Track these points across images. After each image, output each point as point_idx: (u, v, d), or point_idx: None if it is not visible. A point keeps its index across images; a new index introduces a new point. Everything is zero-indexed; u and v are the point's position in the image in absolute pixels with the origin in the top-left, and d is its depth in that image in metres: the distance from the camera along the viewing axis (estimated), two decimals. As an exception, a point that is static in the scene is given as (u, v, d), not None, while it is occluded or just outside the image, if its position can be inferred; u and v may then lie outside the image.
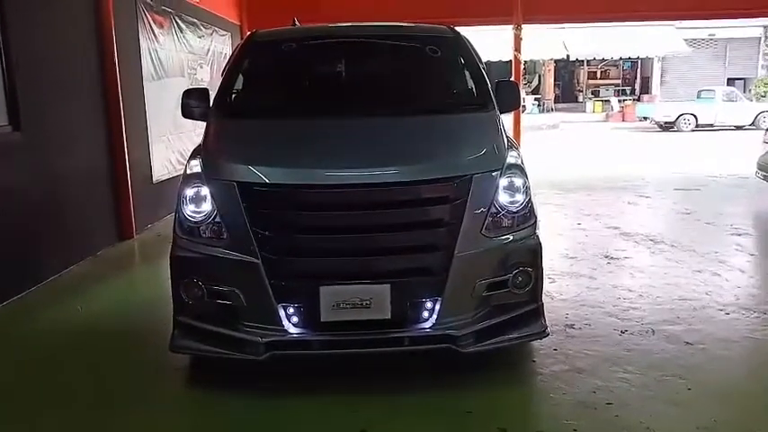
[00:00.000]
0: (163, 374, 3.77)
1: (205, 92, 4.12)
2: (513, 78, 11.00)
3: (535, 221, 3.54)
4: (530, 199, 3.52)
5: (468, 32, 4.89)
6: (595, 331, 4.26)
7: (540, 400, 3.48)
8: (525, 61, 21.62)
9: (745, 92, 27.27)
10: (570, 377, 3.59)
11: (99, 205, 6.74)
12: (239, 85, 4.38)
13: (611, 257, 6.14)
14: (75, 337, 4.43)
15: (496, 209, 3.40)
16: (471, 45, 4.53)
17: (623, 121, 28.08)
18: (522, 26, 11.63)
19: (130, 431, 3.23)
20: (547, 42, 26.55)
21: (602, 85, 34.03)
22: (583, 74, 34.47)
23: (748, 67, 31.55)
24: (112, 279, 5.81)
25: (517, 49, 11.77)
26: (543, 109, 32.26)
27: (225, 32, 11.01)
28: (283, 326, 3.31)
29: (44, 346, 4.31)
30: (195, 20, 9.53)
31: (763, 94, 26.86)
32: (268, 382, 3.54)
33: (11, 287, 5.10)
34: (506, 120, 4.04)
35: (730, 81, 29.81)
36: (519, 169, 3.56)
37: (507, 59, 15.58)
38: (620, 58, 31.65)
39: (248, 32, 5.08)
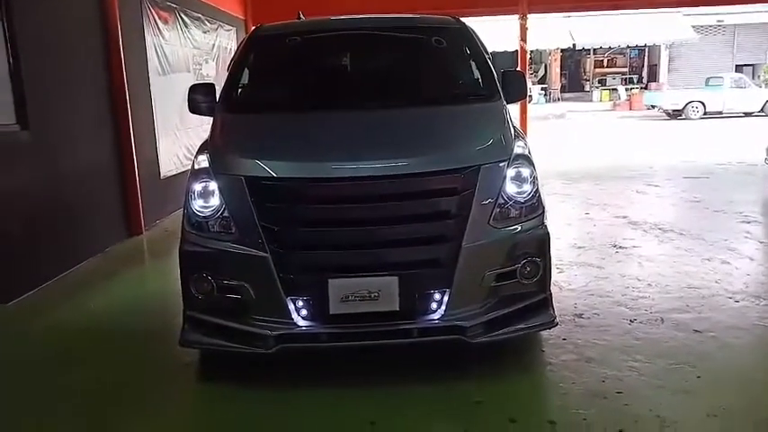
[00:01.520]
0: (173, 369, 3.80)
1: (211, 87, 4.13)
2: (519, 68, 10.95)
3: (543, 211, 3.53)
4: (537, 189, 3.51)
5: (473, 22, 4.86)
6: (604, 321, 4.26)
7: (550, 389, 3.49)
8: (531, 51, 21.53)
9: (753, 78, 27.05)
10: (579, 367, 3.60)
11: (107, 202, 6.78)
12: (245, 79, 4.38)
13: (620, 247, 6.12)
14: (85, 333, 4.47)
15: (504, 199, 3.39)
16: (477, 35, 4.52)
17: (631, 109, 27.94)
18: (528, 16, 11.57)
19: (140, 426, 3.25)
20: (553, 31, 26.42)
21: (609, 73, 33.85)
22: (589, 63, 34.28)
23: (757, 54, 31.28)
24: (122, 275, 5.85)
25: (523, 38, 11.71)
26: (550, 99, 32.16)
27: (230, 27, 11.02)
28: (292, 319, 3.32)
29: (54, 342, 4.34)
30: (200, 15, 9.54)
31: (771, 80, 26.65)
32: (277, 376, 3.56)
33: (21, 285, 5.15)
34: (513, 110, 4.03)
35: (739, 68, 29.61)
36: (526, 159, 3.55)
37: (513, 49, 15.51)
38: (627, 47, 31.45)
39: (253, 27, 5.06)
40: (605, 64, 34.22)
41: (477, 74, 4.30)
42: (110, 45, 6.75)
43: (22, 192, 5.23)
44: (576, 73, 35.20)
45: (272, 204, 3.32)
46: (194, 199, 3.47)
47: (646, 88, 30.77)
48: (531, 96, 24.44)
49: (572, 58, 34.50)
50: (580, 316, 4.34)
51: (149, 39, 7.76)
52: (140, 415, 3.33)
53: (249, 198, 3.30)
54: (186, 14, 9.01)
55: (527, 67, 12.37)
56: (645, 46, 31.94)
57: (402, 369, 3.61)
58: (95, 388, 3.64)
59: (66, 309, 4.97)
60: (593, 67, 34.26)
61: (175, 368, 3.80)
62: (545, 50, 31.78)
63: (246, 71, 4.41)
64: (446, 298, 3.32)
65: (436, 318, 3.35)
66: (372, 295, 3.23)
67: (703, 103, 23.02)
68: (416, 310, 3.33)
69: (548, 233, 3.52)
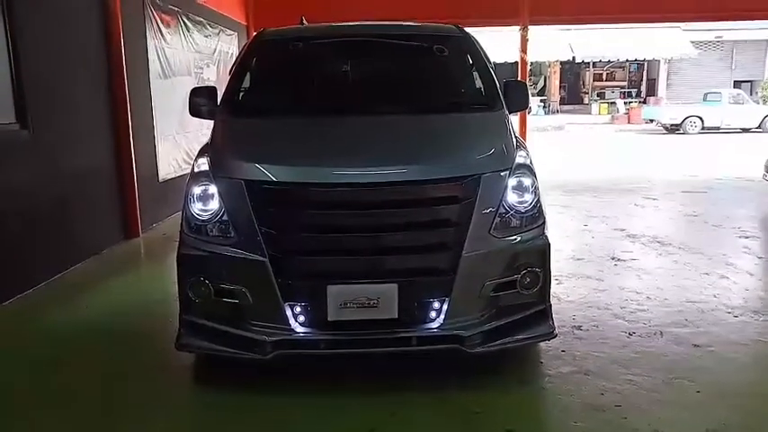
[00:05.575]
0: (168, 373, 3.76)
1: (213, 90, 4.11)
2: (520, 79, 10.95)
3: (544, 222, 3.52)
4: (538, 199, 3.50)
5: (474, 33, 4.86)
6: (603, 333, 4.24)
7: (548, 401, 3.46)
8: (531, 63, 21.59)
9: (751, 94, 27.20)
10: (578, 379, 3.57)
11: (104, 203, 6.74)
12: (247, 83, 4.37)
13: (619, 259, 6.11)
14: (80, 335, 4.42)
15: (505, 209, 3.38)
16: (479, 45, 4.52)
17: (629, 123, 28.04)
18: (529, 27, 11.61)
19: (134, 430, 3.21)
20: (553, 44, 26.53)
21: (608, 86, 33.95)
22: (588, 76, 34.39)
23: (755, 70, 31.46)
24: (117, 277, 5.81)
25: (523, 50, 11.74)
26: (549, 110, 32.21)
27: (231, 32, 11.02)
28: (290, 325, 3.30)
29: (48, 344, 4.30)
30: (202, 19, 9.55)
31: (769, 96, 26.78)
32: (274, 381, 3.53)
33: (16, 285, 5.11)
34: (513, 121, 4.04)
35: (737, 83, 29.73)
36: (528, 169, 3.54)
37: (513, 61, 15.57)
38: (627, 60, 31.60)
39: (255, 33, 5.07)
40: (604, 77, 34.34)
41: (479, 83, 4.30)
42: (111, 47, 6.73)
43: (19, 190, 5.20)
44: (575, 85, 35.32)
45: (272, 209, 3.30)
46: (193, 202, 3.44)
47: (644, 102, 30.90)
48: (530, 108, 24.54)
49: (571, 71, 34.60)
50: (579, 328, 4.32)
51: (151, 41, 7.75)
52: (133, 419, 3.29)
53: (249, 202, 3.28)
54: (188, 18, 9.01)
55: (527, 79, 12.38)
56: (644, 60, 32.08)
57: (400, 377, 3.58)
58: (87, 391, 3.60)
59: (61, 310, 4.92)
60: (592, 80, 34.37)
61: (170, 371, 3.76)
62: (545, 62, 31.88)
63: (248, 75, 4.39)
64: (445, 307, 3.30)
65: (435, 326, 3.32)
66: (371, 302, 3.21)
67: (701, 119, 23.12)
68: (415, 318, 3.31)
69: (548, 244, 3.50)
